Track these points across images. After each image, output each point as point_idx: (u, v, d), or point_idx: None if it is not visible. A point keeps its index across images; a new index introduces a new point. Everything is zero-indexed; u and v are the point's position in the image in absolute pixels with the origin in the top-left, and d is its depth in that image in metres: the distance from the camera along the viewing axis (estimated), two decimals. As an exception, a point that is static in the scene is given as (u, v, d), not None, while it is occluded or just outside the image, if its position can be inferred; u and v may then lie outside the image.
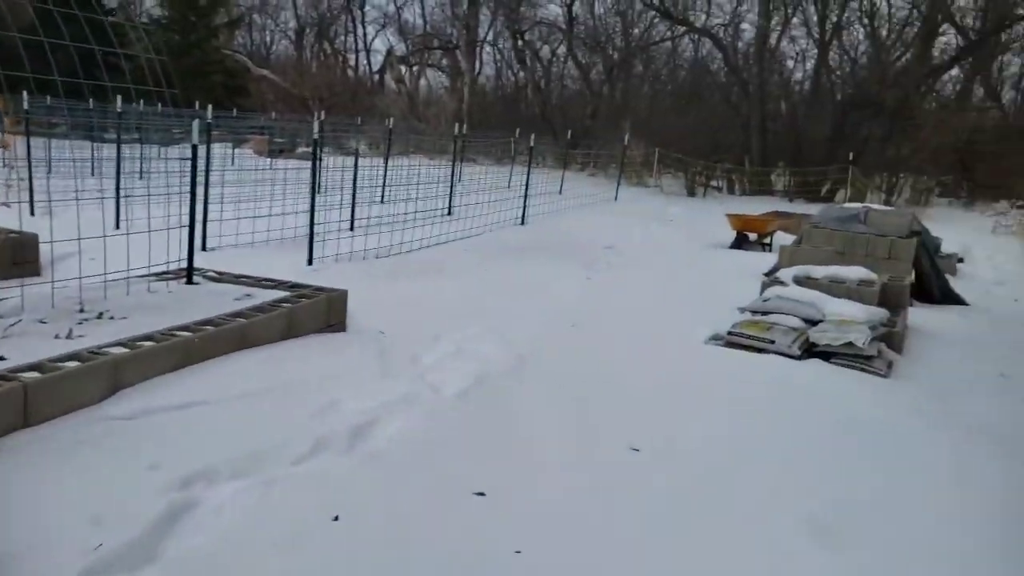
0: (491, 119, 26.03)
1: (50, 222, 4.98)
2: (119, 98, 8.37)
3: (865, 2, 23.18)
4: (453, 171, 12.47)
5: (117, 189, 8.17)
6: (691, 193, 20.40)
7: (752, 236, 11.23)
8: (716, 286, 7.77)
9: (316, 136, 7.47)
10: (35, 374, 3.45)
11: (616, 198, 16.95)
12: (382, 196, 12.51)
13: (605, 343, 5.67)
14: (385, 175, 12.70)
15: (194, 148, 5.35)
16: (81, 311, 4.53)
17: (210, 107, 8.37)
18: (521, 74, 33.33)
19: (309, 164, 17.53)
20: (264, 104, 24.89)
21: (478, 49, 29.10)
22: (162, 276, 5.52)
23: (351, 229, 10.05)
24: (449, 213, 12.33)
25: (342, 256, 8.07)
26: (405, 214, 10.62)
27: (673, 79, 29.08)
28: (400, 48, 32.91)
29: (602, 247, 10.27)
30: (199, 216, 5.82)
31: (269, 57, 36.38)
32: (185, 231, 5.45)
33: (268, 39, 41.33)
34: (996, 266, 11.56)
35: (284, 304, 5.05)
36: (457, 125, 13.76)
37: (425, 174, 13.71)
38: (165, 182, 11.29)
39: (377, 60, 44.55)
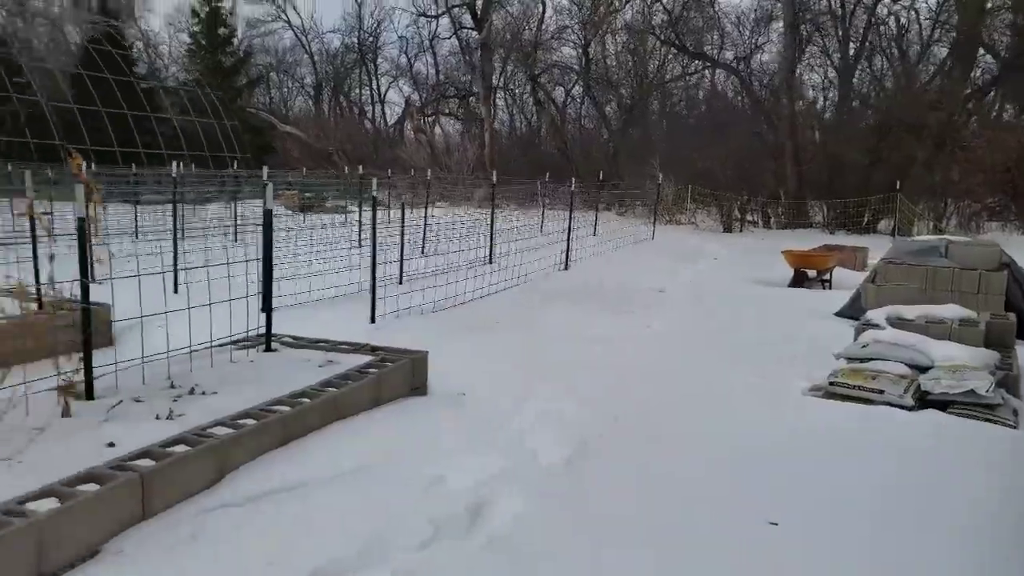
0: (510, 163, 26.17)
1: (139, 293, 4.87)
2: (176, 163, 8.38)
3: (890, 26, 23.21)
4: (492, 218, 12.42)
5: (175, 254, 8.13)
6: (727, 229, 20.24)
7: (811, 273, 10.95)
8: (789, 329, 7.56)
9: (374, 192, 7.40)
10: (148, 462, 3.32)
11: (653, 237, 16.83)
12: (422, 247, 12.45)
13: (694, 398, 5.48)
14: (425, 226, 12.67)
15: (268, 213, 5.27)
16: (172, 387, 4.41)
17: (265, 168, 8.34)
18: (535, 117, 33.73)
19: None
20: (289, 160, 25.17)
21: (494, 95, 29.40)
22: (241, 344, 5.42)
23: (400, 283, 9.97)
24: (490, 262, 12.26)
25: (401, 312, 7.95)
26: (447, 265, 10.55)
27: (694, 113, 29.20)
28: (416, 98, 33.37)
29: (654, 291, 10.10)
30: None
31: (288, 113, 37.03)
32: (249, 295, 5.35)
33: (286, 96, 42.18)
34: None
35: (371, 370, 4.92)
36: (493, 172, 13.72)
37: (458, 223, 13.68)
38: (205, 242, 11.32)
39: (391, 112, 45.36)
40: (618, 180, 23.06)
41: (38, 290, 6.20)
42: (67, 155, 3.96)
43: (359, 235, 13.80)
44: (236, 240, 13.88)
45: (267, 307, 5.36)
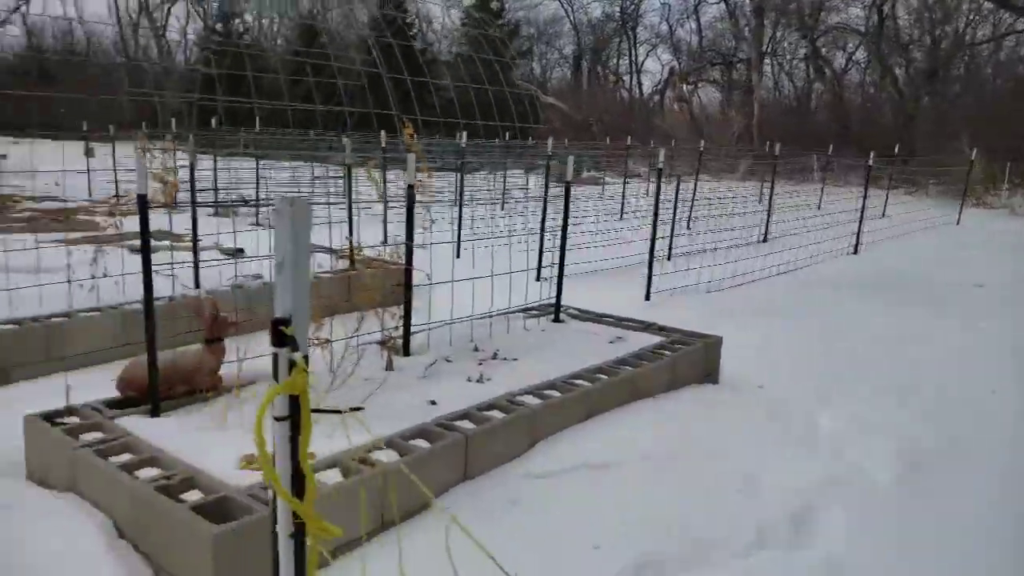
0: (780, 133, 24.33)
1: (430, 257, 5.16)
2: (457, 133, 8.78)
3: None
4: (772, 193, 11.55)
5: (459, 222, 8.56)
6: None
7: None
8: None
9: (661, 164, 7.12)
10: (468, 424, 3.41)
11: (958, 222, 14.67)
12: (688, 222, 11.97)
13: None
14: (693, 200, 12.16)
15: (567, 185, 5.24)
16: (475, 349, 4.56)
17: (550, 139, 8.45)
18: (807, 84, 31.03)
19: (596, 189, 17.59)
20: (549, 131, 25.75)
21: (766, 61, 27.48)
22: (529, 312, 5.49)
23: (668, 259, 9.65)
24: (764, 240, 11.45)
25: (676, 290, 7.64)
26: (715, 242, 9.98)
27: (1009, 79, 24.90)
28: (675, 66, 32.30)
29: (969, 285, 8.71)
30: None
31: (548, 84, 37.92)
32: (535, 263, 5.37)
33: (545, 67, 43.22)
34: None
35: (664, 352, 4.70)
36: (772, 143, 12.73)
37: (722, 197, 12.91)
38: (482, 211, 11.81)
39: (647, 81, 44.54)
40: (907, 156, 20.42)
41: (351, 249, 6.83)
42: (401, 125, 4.17)
43: (621, 208, 13.66)
44: (503, 209, 14.45)
45: (560, 278, 5.36)
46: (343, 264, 6.89)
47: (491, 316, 5.01)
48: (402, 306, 4.42)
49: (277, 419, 1.23)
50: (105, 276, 5.19)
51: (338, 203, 7.68)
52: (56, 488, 3.06)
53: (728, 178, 20.43)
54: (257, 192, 11.96)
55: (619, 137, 22.71)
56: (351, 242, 6.77)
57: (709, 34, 39.76)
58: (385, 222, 8.62)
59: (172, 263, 5.59)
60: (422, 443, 3.21)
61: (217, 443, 3.07)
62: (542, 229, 8.17)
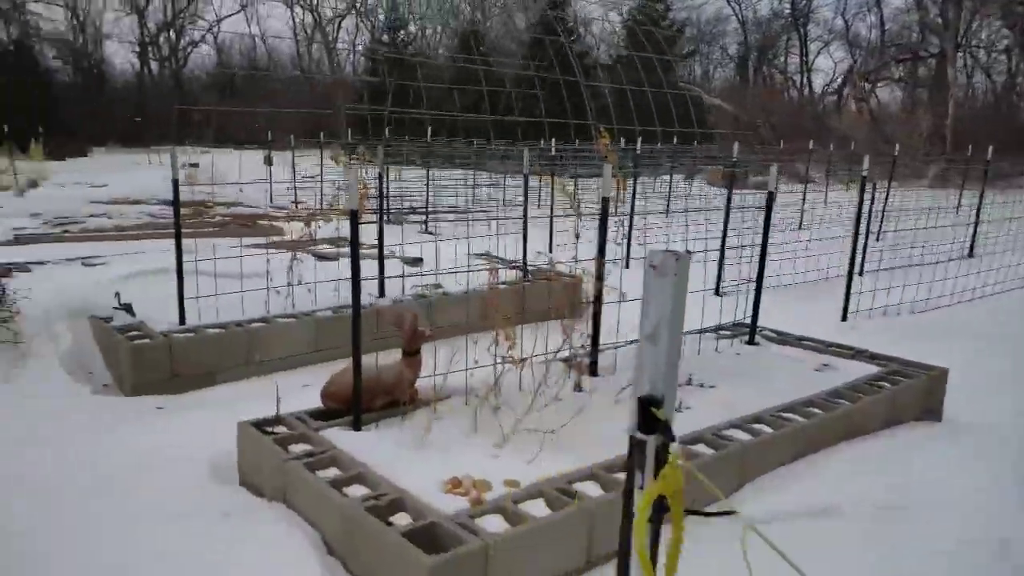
0: (978, 135, 21.91)
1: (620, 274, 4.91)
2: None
3: None
4: (980, 202, 10.32)
5: (630, 230, 8.29)
6: None
7: None
8: None
9: (865, 171, 6.47)
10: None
11: None
12: (878, 234, 10.93)
13: None
14: (885, 208, 11.11)
15: (770, 196, 4.83)
16: (667, 373, 4.27)
17: (736, 144, 7.98)
18: (1009, 79, 27.78)
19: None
20: (714, 134, 24.79)
21: (962, 55, 24.89)
22: (720, 333, 5.12)
23: (860, 274, 8.85)
24: (970, 255, 10.24)
25: (874, 310, 6.93)
26: (910, 257, 9.01)
27: None
28: (855, 64, 30.02)
29: None
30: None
31: (708, 85, 36.65)
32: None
33: (707, 67, 41.81)
34: None
35: (882, 384, 4.18)
36: (991, 149, 11.34)
37: (915, 205, 11.67)
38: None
39: (817, 80, 41.88)
40: None
41: (525, 260, 6.75)
42: (597, 133, 3.98)
43: (800, 217, 12.76)
44: (667, 215, 13.96)
45: (757, 296, 4.96)
46: (511, 276, 6.83)
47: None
48: (586, 321, 4.22)
49: (649, 520, 1.01)
50: (300, 283, 5.39)
51: (515, 216, 7.61)
52: (267, 496, 3.12)
53: (915, 184, 18.65)
54: (427, 201, 12.30)
55: (788, 139, 21.42)
56: (524, 253, 6.70)
57: (892, 26, 36.83)
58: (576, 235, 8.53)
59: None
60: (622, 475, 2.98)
61: (418, 461, 3.01)
62: (723, 241, 7.73)
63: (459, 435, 3.30)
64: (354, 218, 3.19)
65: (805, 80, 40.19)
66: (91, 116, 35.95)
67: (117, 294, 4.87)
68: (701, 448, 3.28)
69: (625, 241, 8.61)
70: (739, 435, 3.43)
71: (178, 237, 4.80)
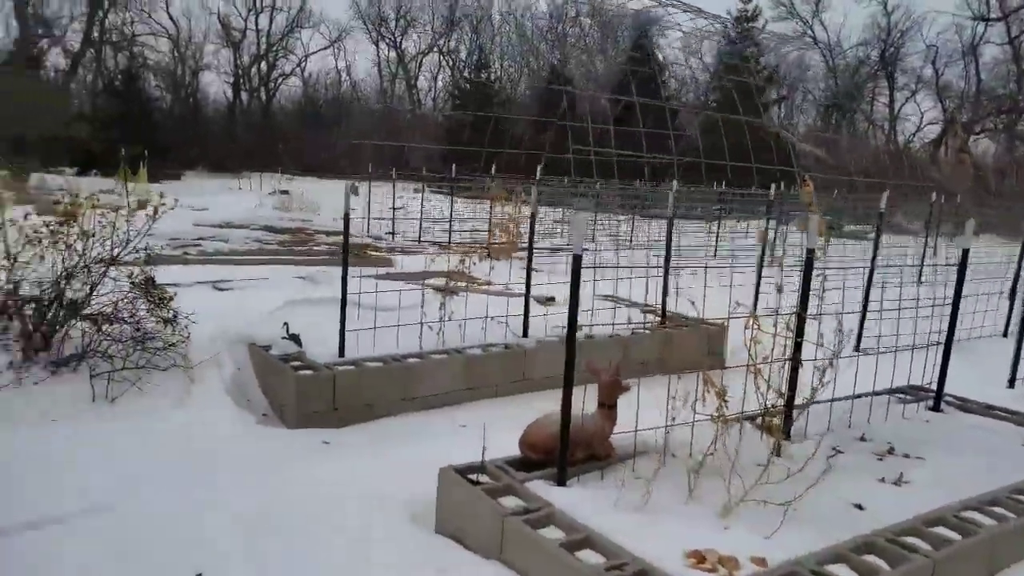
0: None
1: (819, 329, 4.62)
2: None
3: None
4: None
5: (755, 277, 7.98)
6: None
7: None
8: None
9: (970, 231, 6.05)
10: (920, 542, 2.84)
11: None
12: (1012, 291, 10.30)
13: None
14: (1020, 267, 10.46)
15: (965, 252, 4.50)
16: (862, 439, 3.98)
17: (886, 194, 7.62)
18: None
19: (857, 244, 15.98)
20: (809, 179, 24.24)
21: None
22: (898, 396, 4.78)
23: (1004, 335, 8.34)
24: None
25: (1041, 376, 6.42)
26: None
27: None
28: (956, 114, 29.04)
29: None
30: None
31: (798, 131, 36.02)
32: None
33: (795, 113, 41.18)
34: None
35: (1112, 467, 3.77)
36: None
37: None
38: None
39: (908, 128, 40.75)
40: None
41: (663, 306, 6.52)
42: (801, 183, 3.76)
43: (920, 270, 12.17)
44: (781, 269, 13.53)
45: (946, 357, 4.61)
46: (649, 320, 6.61)
47: (858, 398, 4.40)
48: (786, 376, 3.92)
49: None
50: (450, 319, 5.29)
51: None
52: (476, 550, 2.95)
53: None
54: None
55: (881, 188, 20.75)
56: (664, 298, 6.48)
57: (988, 77, 35.63)
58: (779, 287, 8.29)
59: (481, 309, 5.62)
60: (876, 561, 2.70)
61: (645, 527, 2.79)
62: (867, 294, 7.35)
63: (672, 500, 3.07)
64: (577, 263, 3.04)
65: (892, 128, 39.22)
66: (185, 142, 37.61)
67: (285, 324, 4.84)
68: (942, 531, 2.96)
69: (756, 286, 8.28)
70: (979, 518, 3.10)
71: (344, 270, 4.75)
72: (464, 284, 6.70)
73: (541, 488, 3.09)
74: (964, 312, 8.34)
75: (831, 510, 3.07)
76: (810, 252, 3.81)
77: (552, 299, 6.80)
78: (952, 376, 6.47)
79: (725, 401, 3.59)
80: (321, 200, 22.19)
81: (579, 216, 3.02)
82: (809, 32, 38.45)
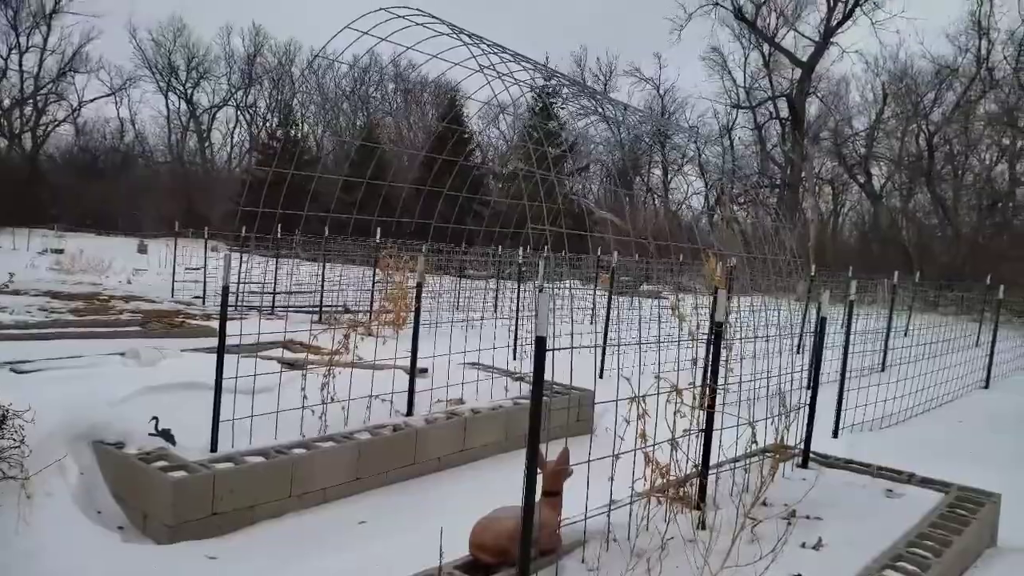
0: (836, 258, 24.51)
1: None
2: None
3: None
4: (891, 316, 11.23)
5: (605, 339, 8.31)
6: None
7: None
8: None
9: (852, 296, 6.90)
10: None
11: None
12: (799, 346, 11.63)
13: None
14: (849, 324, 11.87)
15: (850, 304, 5.00)
16: (765, 504, 4.17)
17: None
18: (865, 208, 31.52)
19: (653, 302, 17.41)
20: (601, 245, 26.03)
21: (815, 186, 28.13)
22: (768, 455, 5.10)
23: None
24: (883, 369, 11.05)
25: (862, 425, 7.25)
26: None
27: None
28: (724, 187, 33.21)
29: None
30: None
31: (588, 199, 38.94)
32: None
33: (585, 185, 44.47)
34: None
35: (961, 513, 4.28)
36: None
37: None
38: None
39: (678, 197, 45.75)
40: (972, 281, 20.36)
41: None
42: (704, 256, 3.95)
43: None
44: (592, 321, 14.19)
45: (811, 417, 5.02)
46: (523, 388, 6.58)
47: (738, 461, 4.65)
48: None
49: None
50: (333, 400, 4.87)
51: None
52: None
53: (786, 297, 20.29)
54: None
55: (667, 253, 22.93)
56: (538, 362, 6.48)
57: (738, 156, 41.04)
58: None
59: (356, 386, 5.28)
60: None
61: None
62: (815, 367, 7.88)
63: (636, 591, 2.98)
64: (540, 345, 2.91)
65: (666, 196, 43.84)
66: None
67: (155, 418, 4.14)
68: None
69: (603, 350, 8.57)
70: (897, 576, 3.34)
71: (220, 349, 4.21)
72: (326, 357, 6.24)
73: (507, 595, 2.86)
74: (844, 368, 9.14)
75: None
76: (718, 325, 3.99)
77: (424, 370, 6.54)
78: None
79: (664, 475, 3.61)
80: (105, 259, 19.92)
81: (543, 297, 2.91)
82: (600, 108, 42.01)
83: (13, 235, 25.44)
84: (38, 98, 44.25)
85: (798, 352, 9.66)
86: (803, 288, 20.34)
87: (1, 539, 3.33)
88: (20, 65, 43.28)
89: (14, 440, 3.71)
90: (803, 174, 31.03)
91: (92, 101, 47.76)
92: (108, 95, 47.82)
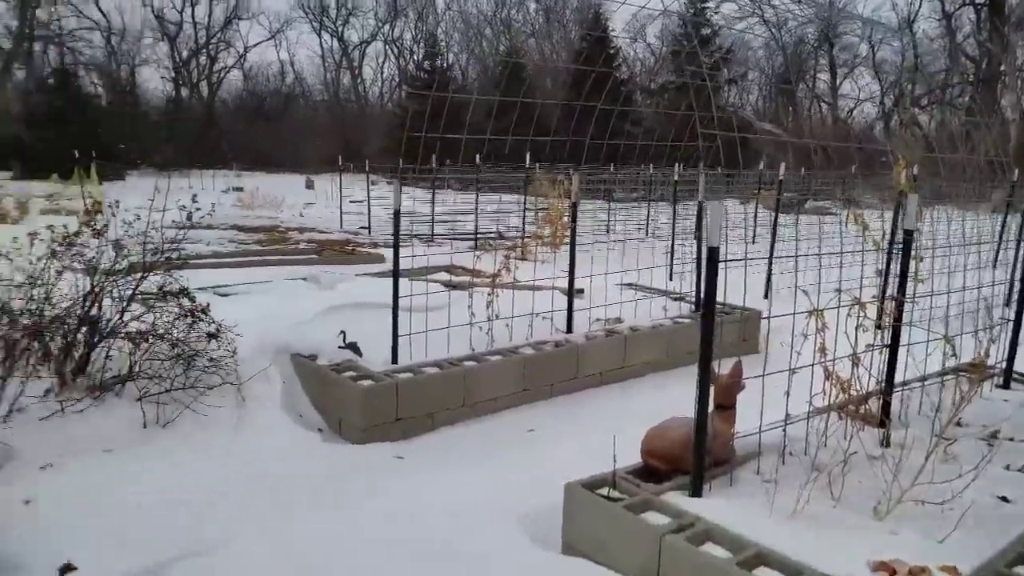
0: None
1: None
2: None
3: None
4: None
5: (771, 256, 7.93)
6: None
7: None
8: None
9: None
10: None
11: None
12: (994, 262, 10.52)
13: None
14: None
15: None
16: (959, 424, 3.88)
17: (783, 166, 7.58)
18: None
19: (821, 219, 16.23)
20: (763, 158, 24.53)
21: (1017, 80, 24.67)
22: (963, 375, 4.72)
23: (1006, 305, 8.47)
24: None
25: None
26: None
27: None
28: (905, 89, 29.84)
29: None
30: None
31: (749, 110, 36.66)
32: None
33: (744, 92, 41.81)
34: None
35: None
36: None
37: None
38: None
39: (844, 103, 41.85)
40: None
41: (698, 293, 6.39)
42: (894, 161, 3.63)
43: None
44: (754, 241, 13.62)
45: (1014, 335, 4.57)
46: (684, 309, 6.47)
47: (927, 379, 4.32)
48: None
49: None
50: (498, 317, 5.03)
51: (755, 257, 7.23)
52: (619, 570, 2.74)
53: (984, 207, 18.29)
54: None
55: (840, 165, 21.15)
56: (699, 285, 6.34)
57: (923, 53, 36.74)
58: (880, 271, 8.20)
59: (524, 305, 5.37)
60: None
61: (809, 537, 2.62)
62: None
63: (818, 505, 2.89)
64: (713, 255, 2.83)
65: (835, 103, 40.24)
66: (126, 141, 36.00)
67: (343, 332, 4.51)
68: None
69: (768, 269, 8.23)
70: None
71: (395, 267, 4.45)
72: (488, 279, 6.44)
73: (681, 501, 2.89)
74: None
75: (980, 505, 2.95)
76: (908, 233, 3.69)
77: (581, 291, 6.60)
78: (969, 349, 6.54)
79: (845, 390, 3.46)
80: (278, 195, 21.47)
81: (714, 205, 2.81)
82: (757, 10, 39.02)
83: (201, 176, 28.05)
84: (210, 47, 47.67)
85: (994, 267, 8.83)
86: (999, 196, 18.34)
87: (222, 437, 3.80)
88: (193, 17, 46.68)
89: (228, 351, 4.19)
90: (1002, 67, 27.31)
91: (256, 46, 50.90)
92: (268, 39, 50.68)
